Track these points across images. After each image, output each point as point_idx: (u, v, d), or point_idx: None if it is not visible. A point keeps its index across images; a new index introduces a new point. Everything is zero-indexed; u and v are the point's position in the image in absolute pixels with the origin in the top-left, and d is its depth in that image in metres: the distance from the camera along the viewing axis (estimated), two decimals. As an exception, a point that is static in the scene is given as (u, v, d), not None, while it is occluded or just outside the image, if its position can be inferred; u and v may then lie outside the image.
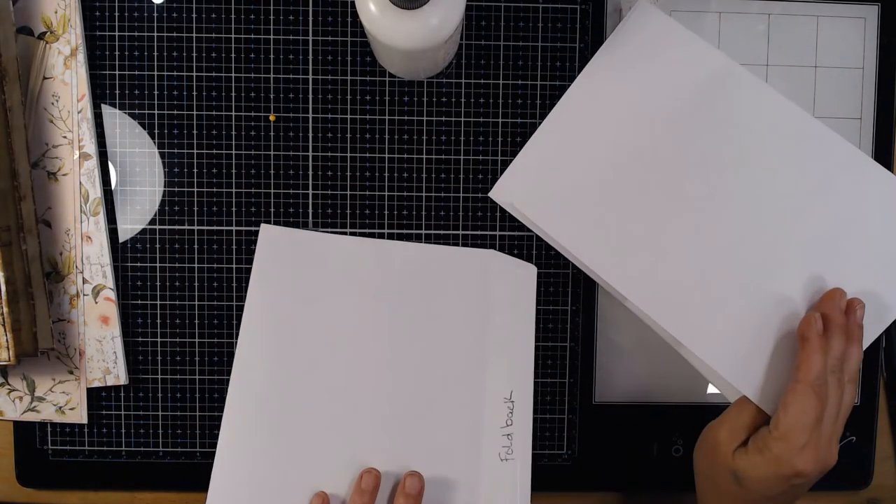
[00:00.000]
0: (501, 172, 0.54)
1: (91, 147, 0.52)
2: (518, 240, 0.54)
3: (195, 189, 0.54)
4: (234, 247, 0.54)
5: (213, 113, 0.53)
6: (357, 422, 0.51)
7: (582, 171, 0.51)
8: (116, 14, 0.52)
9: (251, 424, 0.51)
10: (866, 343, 0.48)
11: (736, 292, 0.49)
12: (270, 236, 0.52)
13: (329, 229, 0.54)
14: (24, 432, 0.54)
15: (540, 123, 0.53)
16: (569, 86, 0.53)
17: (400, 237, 0.54)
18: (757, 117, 0.50)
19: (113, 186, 0.53)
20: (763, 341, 0.48)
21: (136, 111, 0.53)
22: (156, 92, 0.53)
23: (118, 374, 0.53)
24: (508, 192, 0.52)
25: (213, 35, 0.53)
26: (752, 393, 0.48)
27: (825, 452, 0.44)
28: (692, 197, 0.49)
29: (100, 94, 0.53)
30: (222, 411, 0.54)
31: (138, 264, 0.54)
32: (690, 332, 0.49)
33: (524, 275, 0.53)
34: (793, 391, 0.44)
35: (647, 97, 0.50)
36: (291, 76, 0.53)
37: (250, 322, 0.52)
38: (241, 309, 0.53)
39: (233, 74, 0.53)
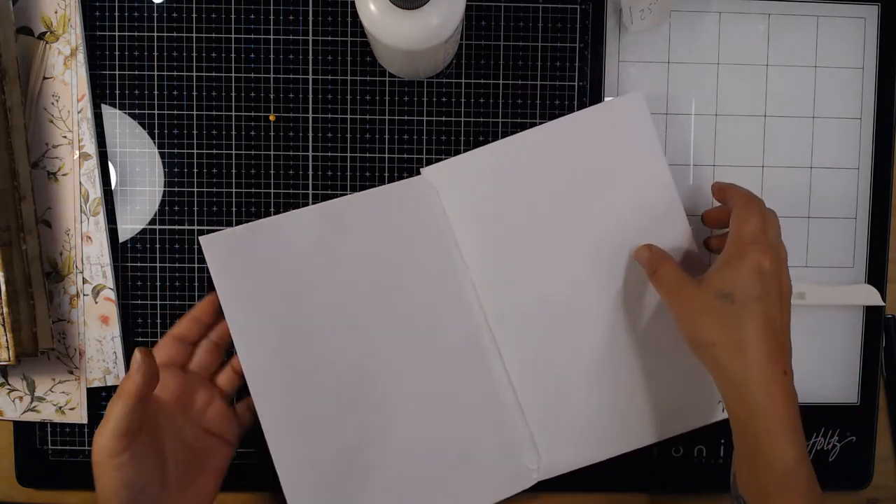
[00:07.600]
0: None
1: (91, 147, 0.52)
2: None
3: (195, 189, 0.54)
4: (234, 247, 0.54)
5: (213, 113, 0.53)
6: (374, 373, 0.52)
7: (506, 202, 0.52)
8: (116, 14, 0.53)
9: (288, 420, 0.51)
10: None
11: (586, 383, 0.53)
12: (215, 244, 0.50)
13: (329, 229, 0.54)
14: (24, 432, 0.54)
15: (540, 123, 0.53)
16: (568, 86, 0.53)
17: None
18: (657, 241, 0.52)
19: (113, 186, 0.53)
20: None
21: (136, 111, 0.53)
22: (156, 92, 0.53)
23: (118, 374, 0.53)
24: (441, 180, 0.52)
25: (213, 35, 0.53)
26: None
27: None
28: (573, 277, 0.52)
29: (100, 94, 0.53)
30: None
31: (138, 264, 0.54)
32: (532, 397, 0.53)
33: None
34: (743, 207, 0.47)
35: (589, 171, 0.52)
36: (291, 76, 0.53)
37: (241, 337, 0.50)
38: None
39: (233, 74, 0.53)
